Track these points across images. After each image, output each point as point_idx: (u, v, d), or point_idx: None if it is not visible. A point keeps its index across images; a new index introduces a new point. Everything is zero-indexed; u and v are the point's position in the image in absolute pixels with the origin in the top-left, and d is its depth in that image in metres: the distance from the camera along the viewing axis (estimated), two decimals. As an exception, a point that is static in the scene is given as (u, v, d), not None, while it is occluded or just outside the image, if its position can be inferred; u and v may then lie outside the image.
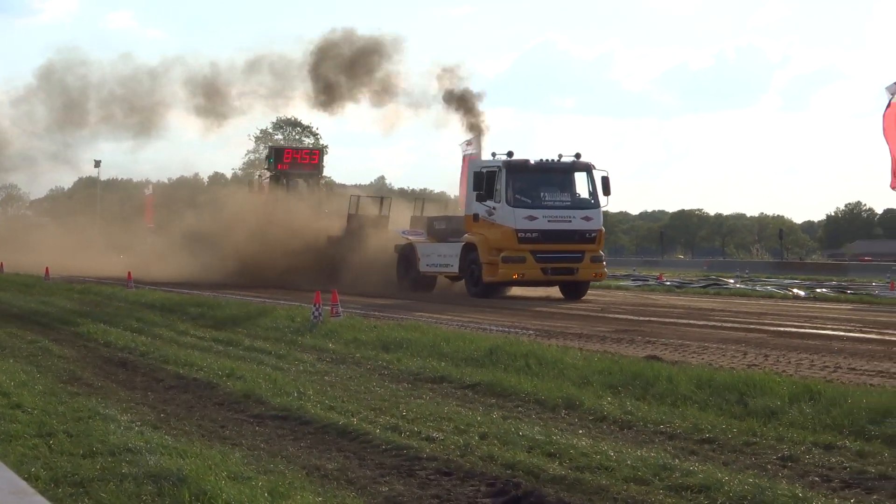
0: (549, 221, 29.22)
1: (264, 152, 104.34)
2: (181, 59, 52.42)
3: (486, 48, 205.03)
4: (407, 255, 33.62)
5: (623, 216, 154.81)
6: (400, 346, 15.52)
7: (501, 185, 29.30)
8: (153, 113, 49.23)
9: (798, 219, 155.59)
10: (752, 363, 13.79)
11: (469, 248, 30.29)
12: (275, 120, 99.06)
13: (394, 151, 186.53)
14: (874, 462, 8.14)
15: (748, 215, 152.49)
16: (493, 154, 30.51)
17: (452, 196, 42.29)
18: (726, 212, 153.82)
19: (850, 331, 18.74)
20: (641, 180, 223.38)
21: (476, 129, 35.90)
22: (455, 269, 31.05)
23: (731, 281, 41.76)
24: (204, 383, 12.73)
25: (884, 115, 33.43)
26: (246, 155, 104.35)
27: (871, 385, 11.55)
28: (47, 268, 39.50)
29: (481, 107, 37.40)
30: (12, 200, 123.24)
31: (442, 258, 31.86)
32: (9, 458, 8.10)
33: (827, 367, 13.49)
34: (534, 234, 29.12)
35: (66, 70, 49.27)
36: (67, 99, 49.53)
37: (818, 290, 34.11)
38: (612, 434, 9.50)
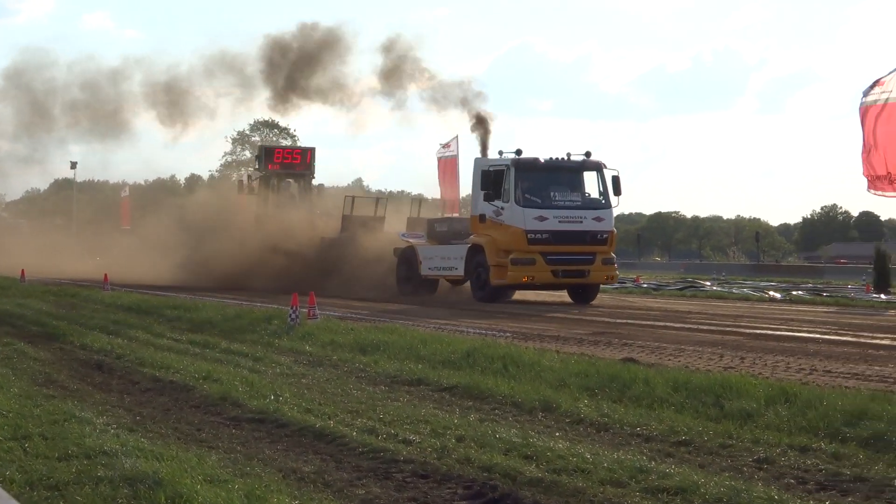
0: (559, 222, 28.23)
1: (243, 154, 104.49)
2: (141, 61, 51.86)
3: (462, 50, 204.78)
4: (407, 257, 32.49)
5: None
6: (377, 348, 15.50)
7: (510, 184, 28.34)
8: (116, 117, 48.70)
9: (774, 221, 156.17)
10: (729, 365, 13.84)
11: (475, 250, 29.28)
12: (252, 122, 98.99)
13: (371, 153, 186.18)
14: (849, 464, 8.17)
15: (725, 218, 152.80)
16: (501, 152, 29.68)
17: (430, 198, 42.10)
18: (703, 214, 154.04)
19: (825, 333, 18.83)
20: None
21: (484, 146, 34.34)
22: (460, 271, 30.04)
23: (708, 283, 41.90)
24: (180, 386, 12.69)
25: (862, 120, 33.73)
26: (223, 157, 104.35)
27: (846, 387, 11.60)
28: (23, 270, 39.27)
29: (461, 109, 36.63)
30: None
31: (445, 261, 30.80)
32: (-17, 461, 8.06)
33: (802, 369, 13.55)
34: (544, 236, 28.11)
35: (33, 72, 48.97)
36: (34, 102, 49.14)
37: (794, 293, 34.26)
38: (588, 436, 9.51)
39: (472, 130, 34.51)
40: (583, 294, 29.50)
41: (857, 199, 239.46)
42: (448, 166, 43.29)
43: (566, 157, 29.25)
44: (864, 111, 33.36)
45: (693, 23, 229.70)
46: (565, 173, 29.35)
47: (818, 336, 18.20)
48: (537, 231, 28.09)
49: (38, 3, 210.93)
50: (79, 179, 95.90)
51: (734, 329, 19.61)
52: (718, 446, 8.88)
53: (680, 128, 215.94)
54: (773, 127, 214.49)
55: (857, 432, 8.96)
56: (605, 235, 28.78)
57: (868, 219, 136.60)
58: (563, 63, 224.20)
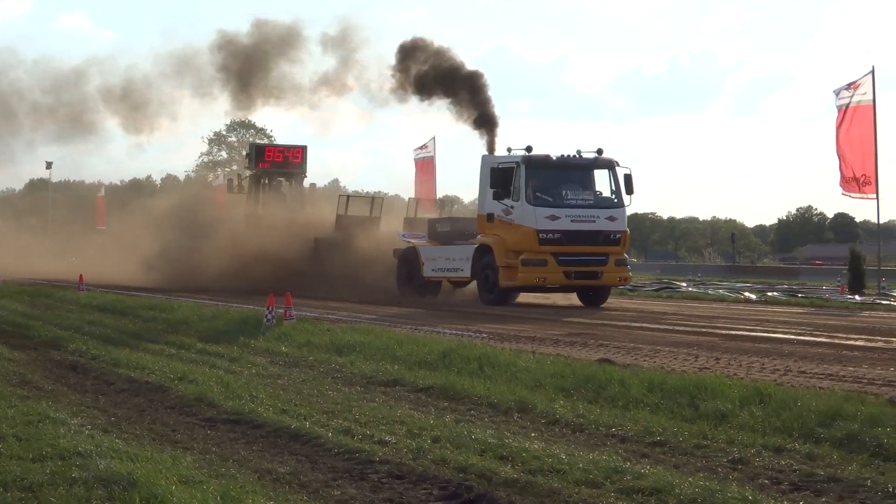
0: (571, 221, 27.02)
1: (219, 154, 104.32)
2: (102, 62, 51.41)
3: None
4: (409, 259, 31.29)
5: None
6: (353, 349, 15.48)
7: (520, 182, 27.11)
8: (81, 120, 48.18)
9: (750, 223, 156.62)
10: (704, 366, 13.88)
11: (483, 251, 28.05)
12: (228, 122, 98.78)
13: (348, 154, 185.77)
14: (823, 464, 8.21)
15: (701, 219, 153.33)
16: (509, 149, 28.41)
17: (406, 198, 41.88)
18: (679, 215, 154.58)
19: (800, 334, 18.90)
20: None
21: (491, 148, 33.46)
22: (466, 273, 28.88)
23: (684, 284, 42.00)
24: (155, 387, 12.66)
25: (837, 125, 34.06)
26: (199, 157, 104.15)
27: (820, 388, 11.64)
28: (-3, 270, 39.10)
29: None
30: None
31: (450, 262, 29.65)
32: (-44, 462, 8.02)
33: (777, 370, 13.59)
34: (556, 235, 26.92)
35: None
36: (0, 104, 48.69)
37: (769, 294, 34.36)
38: (564, 437, 9.53)
39: (475, 128, 33.52)
40: (593, 297, 28.46)
41: (832, 200, 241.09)
42: (425, 167, 43.32)
43: (577, 155, 28.27)
44: (842, 113, 33.80)
45: (670, 25, 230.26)
46: (577, 171, 28.25)
47: (793, 337, 18.26)
48: (549, 231, 26.94)
49: (14, 3, 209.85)
50: (54, 179, 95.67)
51: (710, 330, 19.66)
52: (693, 447, 8.91)
53: (656, 129, 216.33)
54: (749, 129, 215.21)
55: (830, 433, 9.00)
56: (618, 235, 27.69)
57: (843, 220, 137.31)
58: (541, 64, 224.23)
